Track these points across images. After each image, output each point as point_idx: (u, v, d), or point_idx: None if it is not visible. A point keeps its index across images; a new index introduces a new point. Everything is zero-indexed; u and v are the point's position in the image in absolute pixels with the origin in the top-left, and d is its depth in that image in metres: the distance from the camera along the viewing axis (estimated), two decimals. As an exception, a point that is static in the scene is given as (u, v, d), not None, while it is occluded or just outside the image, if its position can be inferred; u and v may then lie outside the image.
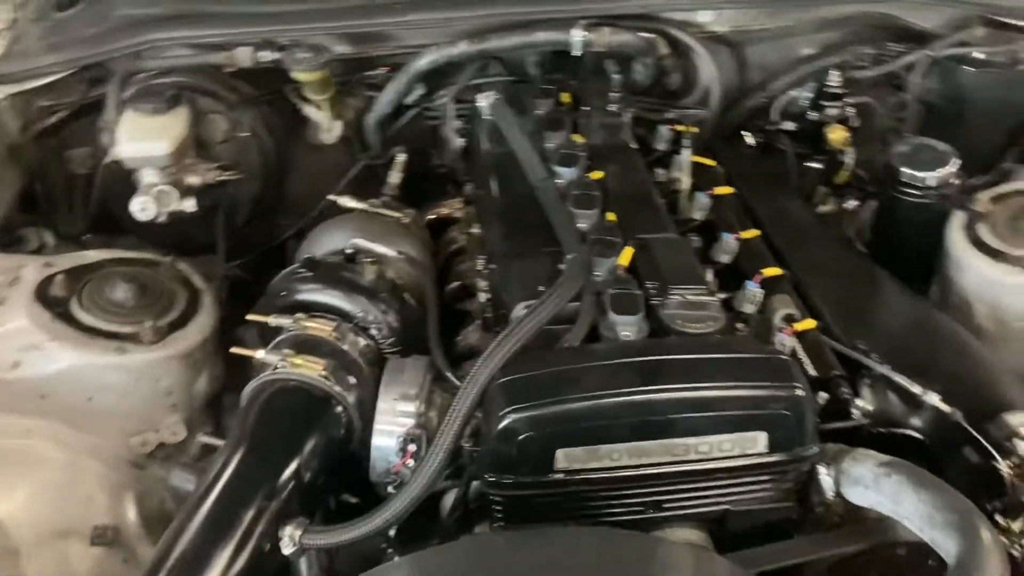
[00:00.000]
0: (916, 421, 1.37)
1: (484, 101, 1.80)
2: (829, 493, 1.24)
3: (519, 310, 1.34)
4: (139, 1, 1.96)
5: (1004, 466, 1.24)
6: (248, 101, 1.89)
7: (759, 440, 1.18)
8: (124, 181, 1.86)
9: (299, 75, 1.81)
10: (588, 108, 1.83)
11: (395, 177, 1.90)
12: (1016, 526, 1.21)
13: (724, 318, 1.30)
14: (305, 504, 1.27)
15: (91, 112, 1.92)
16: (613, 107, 1.82)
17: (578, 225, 1.48)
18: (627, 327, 1.28)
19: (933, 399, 1.31)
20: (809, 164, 2.03)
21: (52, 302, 1.45)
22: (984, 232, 1.60)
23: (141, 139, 1.68)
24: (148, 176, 1.68)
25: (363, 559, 1.35)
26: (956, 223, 1.65)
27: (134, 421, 1.44)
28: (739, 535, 1.25)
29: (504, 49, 1.89)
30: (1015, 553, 1.20)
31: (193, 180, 1.71)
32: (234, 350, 1.40)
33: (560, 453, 1.16)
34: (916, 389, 1.32)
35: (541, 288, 1.35)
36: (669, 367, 1.18)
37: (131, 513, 1.41)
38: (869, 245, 1.86)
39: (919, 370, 1.37)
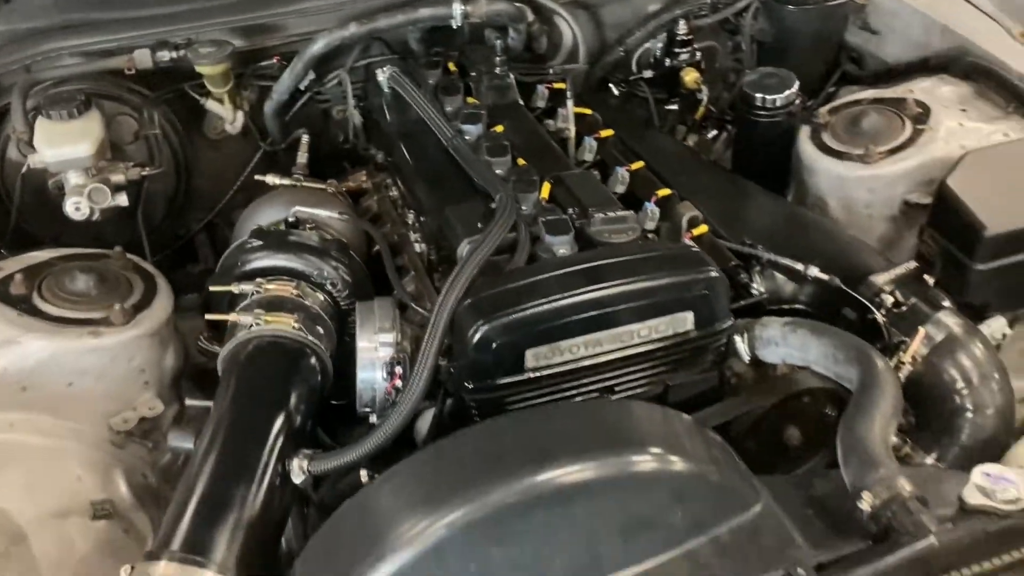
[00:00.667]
0: (801, 295, 1.64)
1: (382, 76, 1.96)
2: (745, 357, 1.49)
3: (465, 247, 1.52)
4: (20, 15, 2.00)
5: (879, 316, 1.52)
6: (153, 101, 1.96)
7: (688, 319, 1.41)
8: (35, 192, 1.91)
9: (203, 69, 1.91)
10: (475, 74, 2.02)
11: (303, 157, 2.02)
12: (893, 362, 1.50)
13: (640, 228, 1.53)
14: (301, 443, 1.40)
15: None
16: (498, 70, 2.02)
17: (496, 171, 1.67)
18: (562, 245, 1.48)
19: (814, 271, 1.58)
20: (667, 107, 2.31)
21: (14, 300, 1.50)
22: (828, 139, 1.90)
23: (61, 144, 1.73)
24: (74, 178, 1.74)
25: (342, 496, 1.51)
26: (804, 135, 1.94)
27: (112, 402, 1.52)
28: (675, 407, 1.47)
29: (392, 27, 2.04)
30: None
31: (117, 178, 1.77)
32: (209, 316, 1.50)
33: (529, 353, 1.35)
34: (799, 266, 1.59)
35: (480, 225, 1.53)
36: (608, 268, 1.40)
37: (122, 487, 1.50)
38: (731, 164, 2.14)
39: (797, 254, 1.64)
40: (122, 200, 1.75)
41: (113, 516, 1.45)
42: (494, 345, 1.33)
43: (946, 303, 1.54)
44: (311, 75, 2.10)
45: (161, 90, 2.02)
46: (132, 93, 1.97)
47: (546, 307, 1.35)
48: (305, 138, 2.05)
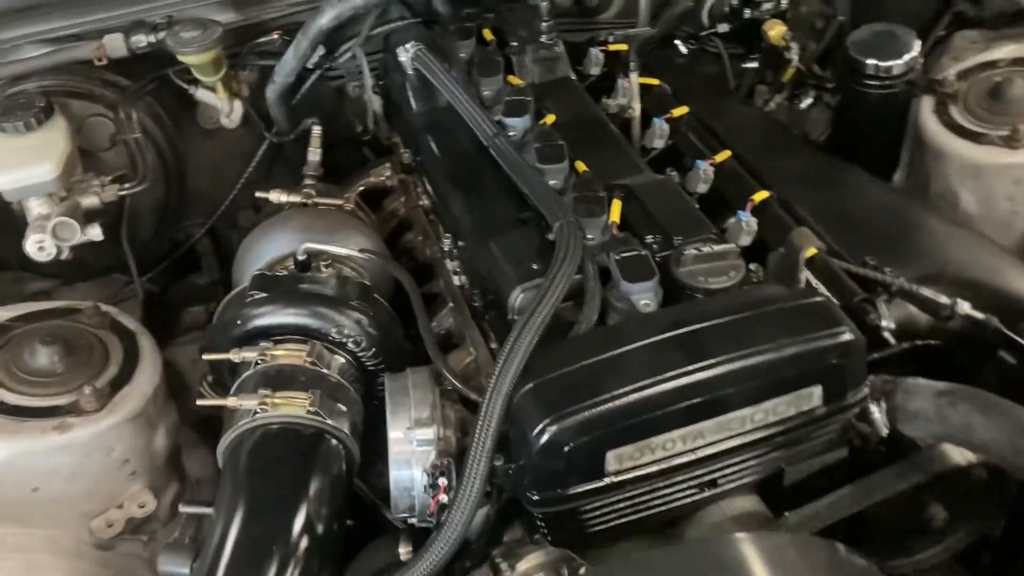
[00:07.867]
0: (939, 332, 1.30)
1: (405, 55, 1.60)
2: (884, 431, 1.16)
3: (519, 296, 1.19)
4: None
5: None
6: (132, 95, 1.63)
7: (815, 394, 1.09)
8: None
9: (188, 59, 1.56)
10: (517, 43, 1.66)
11: (314, 154, 1.69)
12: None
13: (744, 266, 1.19)
14: (327, 557, 1.12)
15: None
16: (544, 38, 1.66)
17: (551, 183, 1.33)
18: (644, 295, 1.16)
19: (965, 307, 1.24)
20: (745, 65, 1.93)
21: (-38, 386, 1.21)
22: (959, 114, 1.53)
23: (19, 165, 1.41)
24: (37, 207, 1.42)
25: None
26: (925, 109, 1.57)
27: (92, 501, 1.24)
28: (792, 489, 1.17)
29: (413, -16, 1.68)
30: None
31: (90, 201, 1.46)
32: (201, 402, 1.20)
33: (610, 455, 1.04)
34: (944, 300, 1.25)
35: (535, 266, 1.21)
36: (712, 336, 1.07)
37: (115, 599, 1.23)
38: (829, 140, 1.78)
39: (932, 277, 1.30)
40: (95, 234, 1.42)
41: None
42: (566, 448, 1.02)
43: None
44: (320, 50, 1.75)
45: (141, 80, 1.69)
46: (107, 87, 1.64)
47: (632, 397, 1.02)
48: (317, 130, 1.72)
